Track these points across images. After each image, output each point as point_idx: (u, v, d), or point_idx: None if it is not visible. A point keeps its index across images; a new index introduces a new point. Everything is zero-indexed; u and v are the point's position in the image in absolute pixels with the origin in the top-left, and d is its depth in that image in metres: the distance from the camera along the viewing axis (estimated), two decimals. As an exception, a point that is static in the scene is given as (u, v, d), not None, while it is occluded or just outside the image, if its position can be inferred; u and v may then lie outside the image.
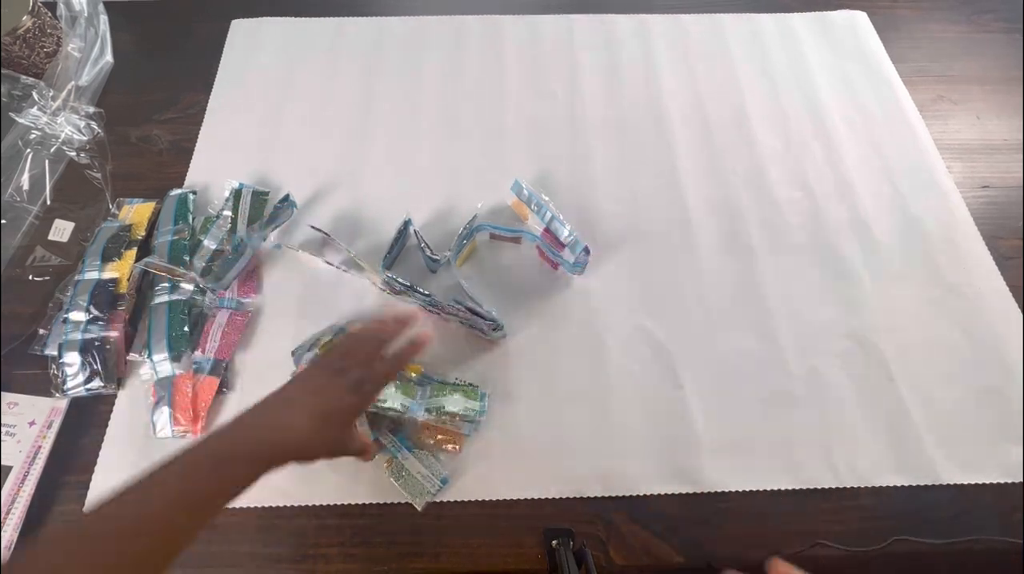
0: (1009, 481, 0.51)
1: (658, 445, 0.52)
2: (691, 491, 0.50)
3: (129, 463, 0.50)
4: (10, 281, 0.59)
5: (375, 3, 0.83)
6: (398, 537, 0.48)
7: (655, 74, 0.76)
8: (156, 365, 0.53)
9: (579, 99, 0.73)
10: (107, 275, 0.57)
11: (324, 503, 0.49)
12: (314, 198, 0.65)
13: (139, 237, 0.60)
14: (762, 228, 0.64)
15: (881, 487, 0.50)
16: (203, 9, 0.82)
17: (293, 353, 0.54)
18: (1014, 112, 0.74)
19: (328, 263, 0.59)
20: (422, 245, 0.58)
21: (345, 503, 0.49)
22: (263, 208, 0.63)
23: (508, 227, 0.61)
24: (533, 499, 0.49)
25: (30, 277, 0.59)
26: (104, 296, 0.55)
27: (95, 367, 0.52)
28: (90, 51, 0.72)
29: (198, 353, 0.54)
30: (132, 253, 0.59)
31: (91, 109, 0.69)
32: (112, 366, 0.53)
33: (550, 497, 0.50)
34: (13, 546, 0.45)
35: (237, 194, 0.63)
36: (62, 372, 0.53)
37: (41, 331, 0.55)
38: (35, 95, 0.65)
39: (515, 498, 0.49)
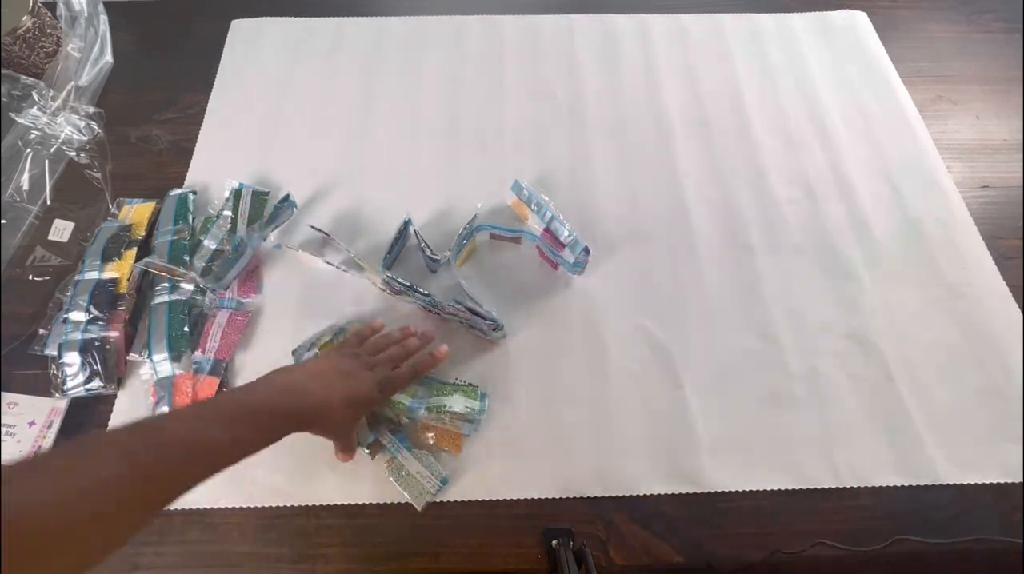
0: (1009, 481, 0.51)
1: (658, 445, 0.52)
2: (691, 491, 0.50)
3: (129, 463, 0.50)
4: (10, 281, 0.59)
5: (375, 3, 0.83)
6: (398, 537, 0.48)
7: (655, 74, 0.76)
8: (156, 365, 0.53)
9: (579, 99, 0.73)
10: (107, 275, 0.57)
11: (324, 503, 0.49)
12: (314, 198, 0.65)
13: (139, 237, 0.60)
14: (762, 228, 0.64)
15: (881, 487, 0.50)
16: (203, 9, 0.82)
17: (293, 353, 0.54)
18: (1014, 112, 0.74)
19: (328, 263, 0.59)
20: (422, 245, 0.58)
21: (345, 503, 0.49)
22: (263, 208, 0.63)
23: (508, 227, 0.61)
24: (533, 499, 0.49)
25: (30, 277, 0.59)
26: (104, 296, 0.55)
27: (95, 367, 0.52)
28: (90, 51, 0.72)
29: (198, 353, 0.54)
30: (132, 253, 0.59)
31: (91, 109, 0.69)
32: (112, 366, 0.53)
33: (550, 497, 0.50)
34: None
35: (237, 194, 0.63)
36: (62, 372, 0.53)
37: (41, 331, 0.55)
38: (35, 95, 0.65)
39: (515, 498, 0.49)
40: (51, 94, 0.66)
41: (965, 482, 0.51)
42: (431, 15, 0.81)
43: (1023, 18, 0.84)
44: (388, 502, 0.49)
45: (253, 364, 0.55)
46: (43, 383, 0.53)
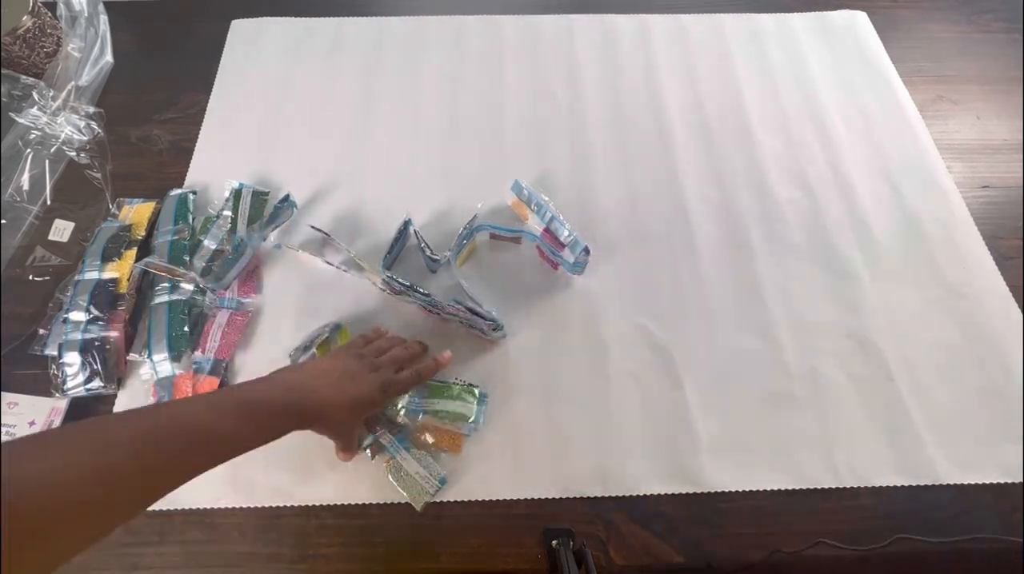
0: (1009, 481, 0.51)
1: (658, 445, 0.52)
2: (691, 491, 0.50)
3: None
4: (10, 281, 0.59)
5: (375, 3, 0.83)
6: (398, 537, 0.48)
7: (655, 74, 0.76)
8: (156, 365, 0.53)
9: (579, 99, 0.73)
10: (107, 275, 0.57)
11: (324, 503, 0.49)
12: (314, 198, 0.65)
13: (139, 237, 0.60)
14: (762, 228, 0.64)
15: (881, 487, 0.50)
16: (203, 9, 0.82)
17: (290, 356, 0.54)
18: (1014, 112, 0.74)
19: (328, 263, 0.59)
20: (422, 245, 0.58)
21: (345, 503, 0.49)
22: (263, 208, 0.63)
23: (508, 227, 0.61)
24: (533, 499, 0.49)
25: (30, 277, 0.59)
26: (104, 296, 0.55)
27: (95, 367, 0.52)
28: (90, 51, 0.72)
29: (198, 353, 0.54)
30: (132, 253, 0.59)
31: (91, 109, 0.69)
32: (112, 366, 0.53)
33: (550, 497, 0.50)
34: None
35: (237, 194, 0.63)
36: (62, 372, 0.53)
37: (41, 331, 0.55)
38: (35, 95, 0.65)
39: (515, 498, 0.49)
40: (51, 94, 0.66)
41: (965, 482, 0.51)
42: (431, 15, 0.81)
43: (1023, 18, 0.84)
44: (388, 502, 0.49)
45: (253, 364, 0.55)
46: (43, 383, 0.53)
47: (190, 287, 0.57)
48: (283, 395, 0.42)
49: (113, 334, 0.54)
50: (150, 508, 0.48)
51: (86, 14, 0.73)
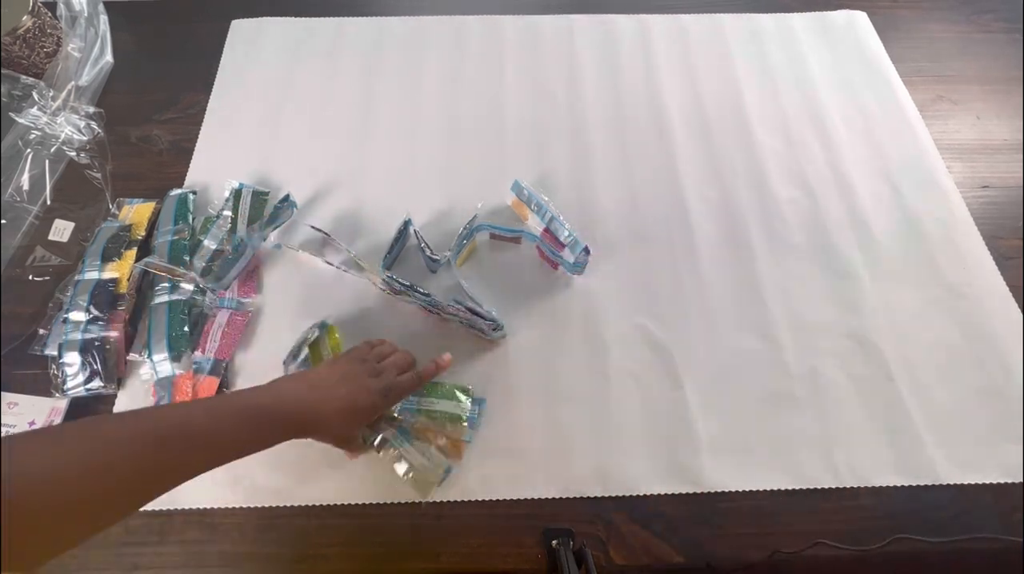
0: (1009, 481, 0.51)
1: (658, 445, 0.52)
2: (691, 491, 0.50)
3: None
4: (10, 281, 0.59)
5: (375, 3, 0.83)
6: (398, 537, 0.48)
7: (655, 74, 0.76)
8: (156, 365, 0.53)
9: (579, 99, 0.73)
10: (107, 275, 0.57)
11: (324, 503, 0.49)
12: (314, 198, 0.65)
13: (139, 237, 0.60)
14: (762, 228, 0.64)
15: (881, 487, 0.50)
16: (203, 9, 0.82)
17: (284, 363, 0.54)
18: (1014, 112, 0.74)
19: (328, 263, 0.59)
20: (422, 245, 0.58)
21: (345, 503, 0.49)
22: (263, 208, 0.63)
23: (508, 227, 0.61)
24: (533, 499, 0.49)
25: (30, 277, 0.59)
26: (104, 296, 0.55)
27: (95, 367, 0.52)
28: (90, 51, 0.72)
29: (198, 353, 0.54)
30: (132, 253, 0.59)
31: (91, 109, 0.69)
32: (112, 366, 0.53)
33: (550, 497, 0.50)
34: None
35: (237, 194, 0.63)
36: (62, 372, 0.53)
37: (41, 331, 0.55)
38: (35, 95, 0.65)
39: (515, 498, 0.49)
40: (51, 94, 0.66)
41: (965, 482, 0.51)
42: (431, 15, 0.81)
43: (1023, 18, 0.84)
44: (388, 502, 0.49)
45: (253, 364, 0.55)
46: (43, 383, 0.53)
47: (190, 287, 0.57)
48: (279, 404, 0.42)
49: (113, 334, 0.54)
50: (150, 508, 0.48)
51: (86, 14, 0.73)
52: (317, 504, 0.49)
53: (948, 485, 0.50)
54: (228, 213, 0.61)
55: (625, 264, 0.61)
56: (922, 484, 0.50)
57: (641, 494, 0.50)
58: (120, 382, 0.54)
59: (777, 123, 0.72)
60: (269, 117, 0.71)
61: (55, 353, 0.53)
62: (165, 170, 0.67)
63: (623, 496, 0.50)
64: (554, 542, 0.47)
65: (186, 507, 0.49)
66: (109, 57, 0.75)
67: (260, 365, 0.55)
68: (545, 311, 0.58)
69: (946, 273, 0.61)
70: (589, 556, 0.45)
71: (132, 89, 0.74)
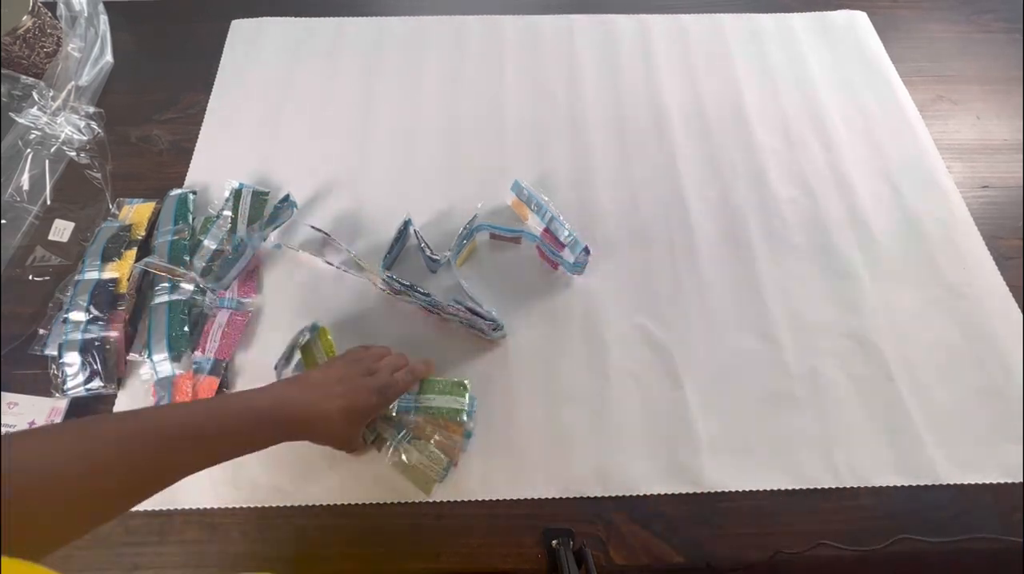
0: (1009, 481, 0.51)
1: (658, 445, 0.52)
2: (691, 491, 0.50)
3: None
4: (10, 281, 0.59)
5: (375, 3, 0.83)
6: (398, 537, 0.48)
7: (655, 74, 0.76)
8: (156, 365, 0.53)
9: (579, 99, 0.73)
10: (107, 275, 0.57)
11: (324, 503, 0.49)
12: (314, 198, 0.65)
13: (139, 237, 0.60)
14: (762, 228, 0.64)
15: (881, 487, 0.50)
16: (203, 9, 0.82)
17: (275, 368, 0.53)
18: (1014, 112, 0.74)
19: (328, 263, 0.59)
20: (422, 245, 0.58)
21: (345, 503, 0.49)
22: (263, 208, 0.63)
23: (508, 227, 0.61)
24: (533, 499, 0.49)
25: (30, 277, 0.59)
26: (104, 296, 0.55)
27: (95, 367, 0.52)
28: (90, 51, 0.72)
29: (198, 353, 0.54)
30: (132, 253, 0.59)
31: (91, 109, 0.69)
32: (112, 366, 0.53)
33: (550, 497, 0.50)
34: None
35: (237, 194, 0.63)
36: (62, 372, 0.53)
37: (41, 331, 0.55)
38: (35, 95, 0.65)
39: (515, 498, 0.49)
40: (51, 94, 0.66)
41: (965, 482, 0.51)
42: (431, 15, 0.81)
43: (1023, 18, 0.84)
44: (388, 502, 0.49)
45: (253, 364, 0.55)
46: (43, 383, 0.53)
47: (190, 287, 0.57)
48: (278, 406, 0.42)
49: (113, 334, 0.54)
50: (151, 508, 0.48)
51: (86, 14, 0.73)
52: (317, 504, 0.49)
53: (948, 485, 0.50)
54: (228, 213, 0.61)
55: (625, 264, 0.61)
56: (922, 484, 0.50)
57: (641, 494, 0.50)
58: (120, 382, 0.54)
59: (777, 123, 0.72)
60: (269, 117, 0.71)
61: (55, 353, 0.53)
62: (165, 170, 0.67)
63: (623, 496, 0.50)
64: (554, 542, 0.47)
65: (186, 507, 0.49)
66: (109, 57, 0.75)
67: (260, 365, 0.55)
68: (545, 311, 0.58)
69: (946, 273, 0.61)
70: (589, 556, 0.45)
71: (132, 89, 0.74)
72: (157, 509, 0.48)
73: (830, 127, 0.71)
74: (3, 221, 0.61)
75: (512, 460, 0.51)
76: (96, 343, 0.53)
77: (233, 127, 0.71)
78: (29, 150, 0.65)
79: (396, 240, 0.59)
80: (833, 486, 0.50)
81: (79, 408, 0.52)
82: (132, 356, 0.54)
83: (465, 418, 0.50)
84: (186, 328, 0.55)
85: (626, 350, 0.56)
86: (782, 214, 0.65)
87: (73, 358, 0.53)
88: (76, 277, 0.57)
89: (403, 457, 0.49)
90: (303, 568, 0.47)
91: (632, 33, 0.80)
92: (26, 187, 0.63)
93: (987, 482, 0.51)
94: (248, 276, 0.59)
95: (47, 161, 0.65)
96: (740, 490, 0.50)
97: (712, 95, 0.74)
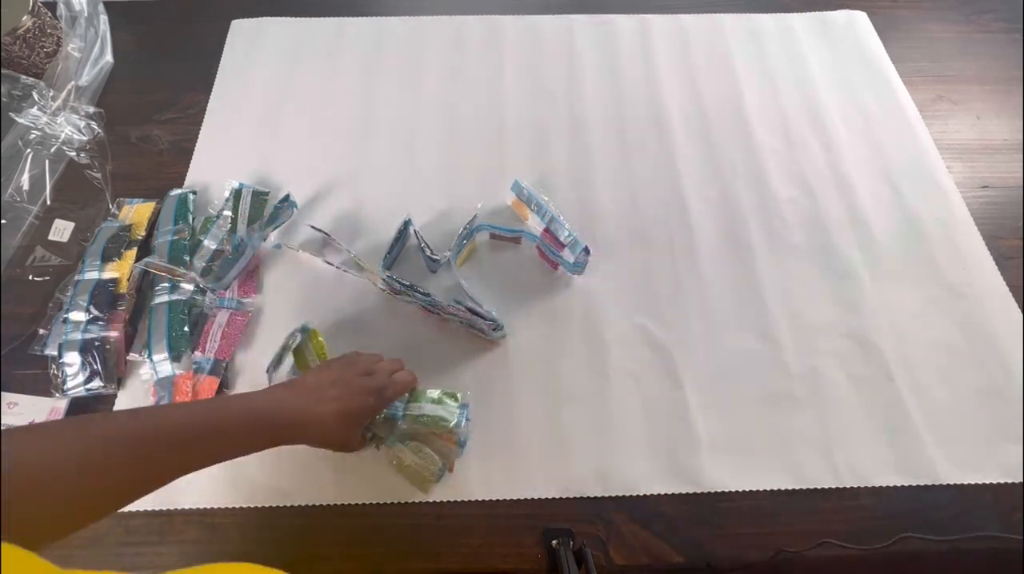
0: (1009, 481, 0.51)
1: (658, 445, 0.52)
2: (691, 491, 0.50)
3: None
4: (10, 281, 0.59)
5: (375, 3, 0.83)
6: (398, 537, 0.48)
7: (655, 74, 0.76)
8: (156, 365, 0.53)
9: (579, 99, 0.73)
10: (107, 275, 0.57)
11: (324, 503, 0.49)
12: (314, 198, 0.65)
13: (139, 237, 0.60)
14: (762, 228, 0.64)
15: (881, 487, 0.50)
16: (203, 9, 0.82)
17: (267, 371, 0.53)
18: (1014, 112, 0.74)
19: (328, 263, 0.59)
20: (422, 245, 0.58)
21: (345, 503, 0.49)
22: (263, 208, 0.63)
23: (508, 227, 0.61)
24: (533, 499, 0.49)
25: (30, 277, 0.59)
26: (104, 296, 0.55)
27: (95, 367, 0.52)
28: (90, 51, 0.72)
29: (198, 353, 0.54)
30: (132, 253, 0.59)
31: (91, 109, 0.69)
32: (112, 366, 0.53)
33: (550, 497, 0.50)
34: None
35: (237, 194, 0.63)
36: (62, 372, 0.53)
37: (41, 331, 0.55)
38: (35, 95, 0.65)
39: (515, 498, 0.49)
40: (51, 94, 0.66)
41: (965, 482, 0.51)
42: (431, 15, 0.81)
43: (1023, 18, 0.84)
44: (388, 502, 0.49)
45: (253, 364, 0.55)
46: (43, 383, 0.53)
47: (190, 287, 0.57)
48: (276, 409, 0.42)
49: (113, 334, 0.54)
50: (151, 508, 0.48)
51: (86, 14, 0.73)
52: (317, 504, 0.49)
53: (948, 485, 0.50)
54: (228, 213, 0.61)
55: (625, 264, 0.61)
56: (922, 484, 0.50)
57: (641, 494, 0.50)
58: (120, 382, 0.54)
59: (777, 123, 0.72)
60: (269, 117, 0.71)
61: (55, 353, 0.53)
62: (165, 170, 0.67)
63: (623, 496, 0.50)
64: (554, 542, 0.47)
65: (186, 507, 0.49)
66: (109, 57, 0.75)
67: (260, 365, 0.55)
68: (545, 311, 0.58)
69: (946, 273, 0.61)
70: (589, 556, 0.45)
71: (132, 89, 0.74)
72: (157, 509, 0.48)
73: (830, 127, 0.71)
74: (3, 221, 0.61)
75: (512, 460, 0.51)
76: (96, 343, 0.53)
77: (233, 127, 0.71)
78: (29, 150, 0.65)
79: (396, 240, 0.59)
80: (833, 486, 0.50)
81: (79, 408, 0.53)
82: (132, 356, 0.54)
83: (454, 428, 0.49)
84: (186, 328, 0.55)
85: (626, 350, 0.56)
86: (782, 214, 0.65)
87: (73, 358, 0.53)
88: (76, 277, 0.57)
89: (399, 457, 0.49)
90: (303, 568, 0.47)
91: (632, 33, 0.80)
92: (26, 187, 0.63)
93: (987, 482, 0.51)
94: (248, 276, 0.59)
95: (47, 161, 0.65)
96: (740, 490, 0.50)
97: (712, 95, 0.74)
